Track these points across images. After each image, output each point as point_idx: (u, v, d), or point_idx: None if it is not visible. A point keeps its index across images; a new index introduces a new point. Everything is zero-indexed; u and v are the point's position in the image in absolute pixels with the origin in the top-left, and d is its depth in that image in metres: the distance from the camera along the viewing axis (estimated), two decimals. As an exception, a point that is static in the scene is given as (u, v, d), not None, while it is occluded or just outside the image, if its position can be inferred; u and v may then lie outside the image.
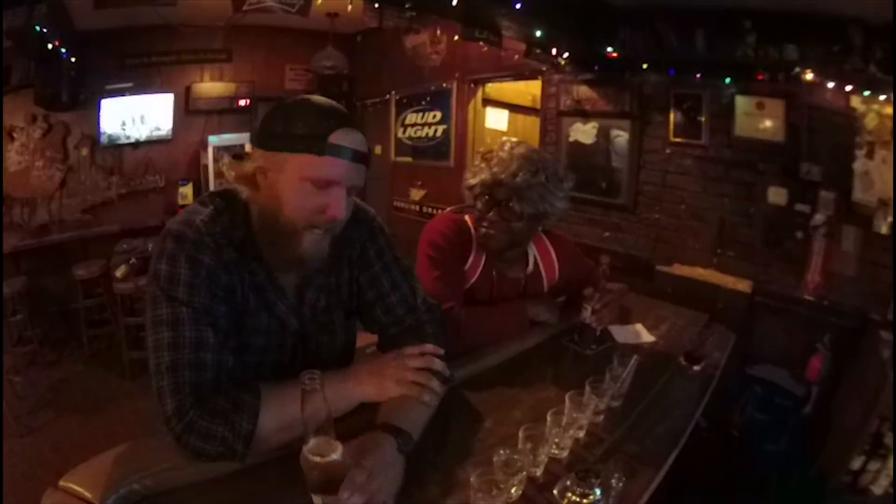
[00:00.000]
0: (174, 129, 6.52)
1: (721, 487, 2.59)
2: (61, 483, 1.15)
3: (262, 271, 1.38)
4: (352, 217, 1.45)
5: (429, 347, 1.45)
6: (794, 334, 3.64)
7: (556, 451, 1.33)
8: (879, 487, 2.66)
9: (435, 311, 1.68)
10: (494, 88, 6.27)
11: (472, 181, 2.08)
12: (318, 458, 1.00)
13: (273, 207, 1.28)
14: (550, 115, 5.34)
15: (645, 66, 4.35)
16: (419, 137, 6.66)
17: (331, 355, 1.58)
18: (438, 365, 1.42)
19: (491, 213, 2.04)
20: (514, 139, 2.11)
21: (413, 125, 6.73)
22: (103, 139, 6.09)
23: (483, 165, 2.06)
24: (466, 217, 2.20)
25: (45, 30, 4.09)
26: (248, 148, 1.41)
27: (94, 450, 1.25)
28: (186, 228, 1.28)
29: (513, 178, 1.96)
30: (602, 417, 1.52)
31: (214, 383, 1.21)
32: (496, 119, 6.48)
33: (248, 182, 1.32)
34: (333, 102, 1.32)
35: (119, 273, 4.89)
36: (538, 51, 4.51)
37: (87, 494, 1.11)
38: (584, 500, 1.10)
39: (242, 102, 6.84)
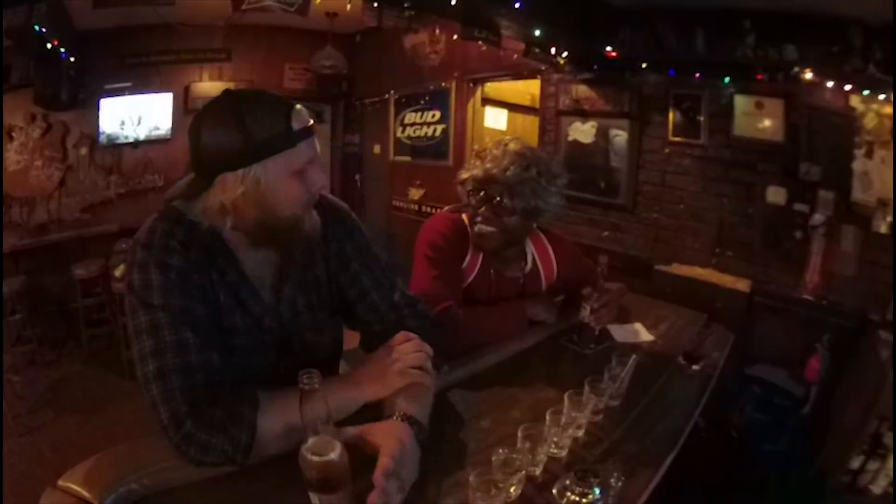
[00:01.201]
0: (173, 128, 6.51)
1: (720, 487, 2.59)
2: (60, 483, 1.15)
3: (233, 270, 1.37)
4: (328, 215, 1.47)
5: (411, 335, 1.44)
6: (793, 334, 3.64)
7: (555, 451, 1.33)
8: (878, 487, 2.66)
9: (416, 305, 1.68)
10: (493, 88, 6.26)
11: (465, 176, 2.09)
12: (316, 458, 1.00)
13: (267, 214, 1.29)
14: (549, 115, 5.33)
15: (644, 65, 4.34)
16: (418, 137, 6.65)
17: (319, 354, 1.58)
18: (428, 349, 1.42)
19: (483, 210, 2.05)
20: (508, 137, 2.12)
21: (412, 124, 6.72)
22: (102, 138, 6.11)
23: (476, 162, 2.07)
24: (464, 216, 2.20)
25: (44, 29, 4.09)
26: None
27: (93, 449, 1.25)
28: (151, 236, 1.29)
29: (504, 173, 1.97)
30: (601, 417, 1.53)
31: (206, 384, 1.21)
32: (495, 118, 6.48)
33: (219, 212, 1.29)
34: (254, 89, 1.35)
35: (118, 272, 4.88)
36: (537, 50, 4.50)
37: (86, 494, 1.11)
38: (584, 500, 1.10)
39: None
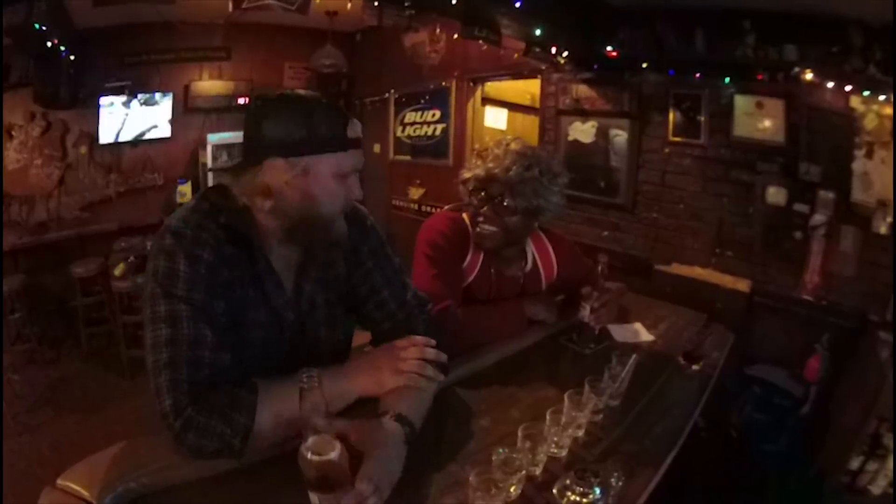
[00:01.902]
0: (173, 127, 6.50)
1: (719, 487, 2.59)
2: (59, 482, 1.15)
3: (262, 260, 1.39)
4: (346, 216, 1.47)
5: (419, 339, 1.46)
6: (793, 334, 3.64)
7: (555, 451, 1.33)
8: (878, 488, 2.66)
9: (426, 306, 1.70)
10: (493, 87, 6.26)
11: (467, 175, 2.10)
12: (315, 457, 1.00)
13: (308, 206, 1.33)
14: (549, 115, 5.33)
15: (644, 65, 4.34)
16: (418, 136, 6.65)
17: (330, 349, 1.60)
18: (431, 354, 1.43)
19: (485, 209, 2.05)
20: (509, 137, 2.12)
21: (412, 124, 6.71)
22: (102, 137, 6.09)
23: (478, 162, 2.07)
24: (464, 215, 2.20)
25: (44, 28, 4.08)
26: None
27: (92, 448, 1.25)
28: (184, 225, 1.29)
29: (506, 172, 1.98)
30: (601, 416, 1.52)
31: (210, 381, 1.22)
32: (495, 118, 6.48)
33: (261, 193, 1.34)
34: (315, 94, 1.39)
35: (117, 271, 4.89)
36: (537, 49, 4.50)
37: (85, 493, 1.11)
38: (584, 500, 1.10)
39: (241, 101, 6.78)
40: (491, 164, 2.01)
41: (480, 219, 2.07)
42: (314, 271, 1.51)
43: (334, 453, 1.01)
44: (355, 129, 1.36)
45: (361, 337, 1.74)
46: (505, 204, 2.00)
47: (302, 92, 1.38)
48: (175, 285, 1.24)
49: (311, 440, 1.02)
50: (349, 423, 1.16)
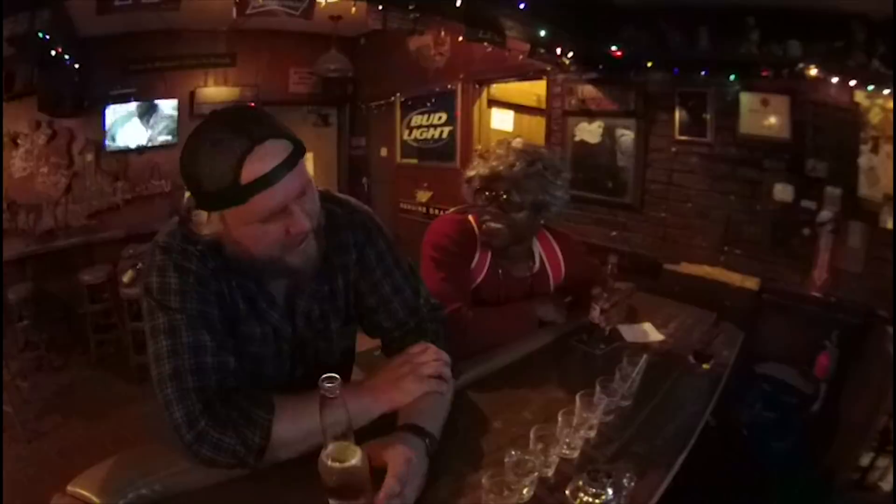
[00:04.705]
0: (179, 133, 6.51)
1: (727, 486, 2.57)
2: (69, 488, 1.15)
3: (249, 282, 1.37)
4: (347, 221, 1.47)
5: (430, 345, 1.42)
6: (802, 331, 3.63)
7: (567, 452, 1.32)
8: (888, 484, 2.65)
9: (438, 310, 1.66)
10: (499, 89, 6.25)
11: (471, 174, 2.12)
12: (336, 464, 0.99)
13: (243, 250, 1.24)
14: (556, 115, 5.33)
15: (649, 64, 4.34)
16: (425, 139, 6.66)
17: (330, 361, 1.56)
18: (446, 357, 1.41)
19: (490, 207, 2.06)
20: (511, 137, 2.13)
21: (418, 127, 6.72)
22: (108, 145, 6.10)
23: (481, 162, 2.10)
24: (470, 216, 2.20)
25: (47, 36, 4.09)
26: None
27: (100, 454, 1.25)
28: (171, 239, 1.29)
29: (510, 169, 2.01)
30: (612, 417, 1.52)
31: (219, 386, 1.21)
32: (501, 120, 6.47)
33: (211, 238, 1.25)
34: (227, 116, 1.21)
35: (126, 278, 4.90)
36: (542, 51, 4.50)
37: (95, 500, 1.11)
38: (597, 501, 1.09)
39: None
40: (495, 163, 2.03)
41: (487, 217, 2.08)
42: (308, 286, 1.46)
43: (356, 459, 1.00)
44: (257, 165, 1.11)
45: (367, 342, 1.74)
46: (510, 200, 2.02)
47: (216, 118, 1.19)
48: (168, 298, 1.23)
49: (331, 447, 1.00)
50: (370, 446, 1.12)
